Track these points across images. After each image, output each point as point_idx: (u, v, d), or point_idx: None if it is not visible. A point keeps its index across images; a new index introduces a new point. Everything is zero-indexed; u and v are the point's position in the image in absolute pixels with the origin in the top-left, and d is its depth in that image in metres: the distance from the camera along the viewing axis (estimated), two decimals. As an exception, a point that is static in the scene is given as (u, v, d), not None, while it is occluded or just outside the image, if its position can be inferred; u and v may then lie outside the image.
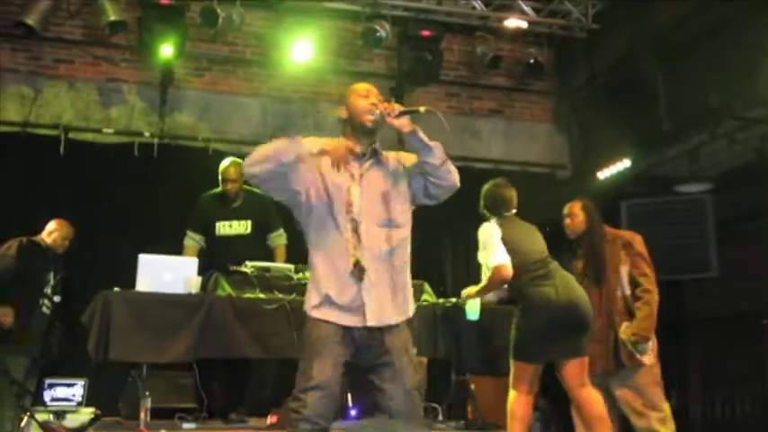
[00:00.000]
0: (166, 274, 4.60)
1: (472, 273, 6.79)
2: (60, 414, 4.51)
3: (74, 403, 4.65)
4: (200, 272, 4.72)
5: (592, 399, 4.16)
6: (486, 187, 4.56)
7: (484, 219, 4.45)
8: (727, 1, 5.84)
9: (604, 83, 7.47)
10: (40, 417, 4.17)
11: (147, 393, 4.41)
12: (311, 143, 3.09)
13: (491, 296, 4.56)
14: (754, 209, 6.49)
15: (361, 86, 3.26)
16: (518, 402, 4.17)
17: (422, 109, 3.08)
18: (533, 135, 8.02)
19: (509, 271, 4.16)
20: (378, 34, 6.87)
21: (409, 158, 3.18)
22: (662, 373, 7.04)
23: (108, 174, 6.55)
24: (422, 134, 3.05)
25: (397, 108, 3.05)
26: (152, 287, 4.53)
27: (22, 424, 4.09)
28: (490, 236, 4.25)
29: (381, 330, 2.96)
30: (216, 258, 5.08)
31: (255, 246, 5.30)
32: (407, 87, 7.58)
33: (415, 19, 7.15)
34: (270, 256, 5.33)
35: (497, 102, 7.98)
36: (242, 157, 7.10)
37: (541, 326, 4.11)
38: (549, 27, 7.35)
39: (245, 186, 5.26)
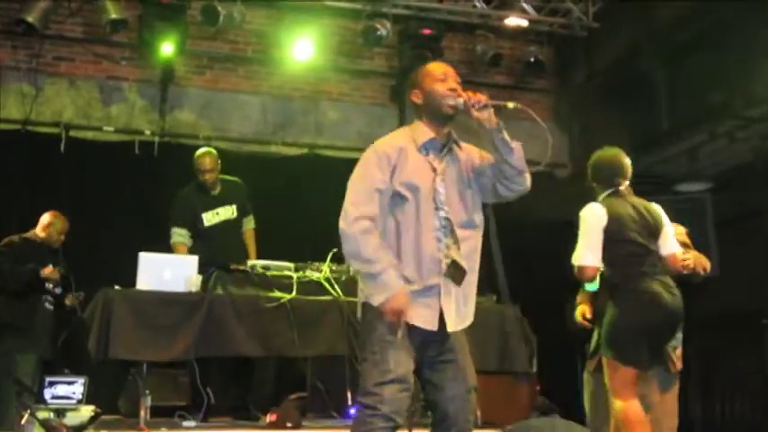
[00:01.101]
0: (167, 272, 4.61)
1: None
2: (61, 412, 4.49)
3: (74, 401, 4.64)
4: (200, 269, 4.73)
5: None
6: (595, 155, 4.10)
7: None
8: (728, 1, 5.84)
9: (604, 81, 7.47)
10: (41, 414, 4.17)
11: (148, 391, 4.42)
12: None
13: None
14: (755, 208, 6.49)
15: (438, 68, 3.02)
16: (631, 408, 3.63)
17: (510, 104, 2.88)
18: (533, 134, 7.96)
19: (590, 275, 3.73)
20: (378, 32, 6.87)
21: (483, 155, 2.97)
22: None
23: (108, 172, 6.55)
24: (505, 133, 2.87)
25: (484, 99, 2.85)
26: (152, 285, 4.54)
27: (23, 422, 4.09)
28: (587, 225, 3.76)
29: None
30: (207, 250, 5.11)
31: (241, 230, 5.55)
32: (408, 85, 7.57)
33: (415, 17, 7.15)
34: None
35: (498, 100, 7.96)
36: (243, 155, 7.18)
37: (646, 325, 3.68)
38: (549, 25, 7.34)
39: (220, 176, 5.41)
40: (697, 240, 6.46)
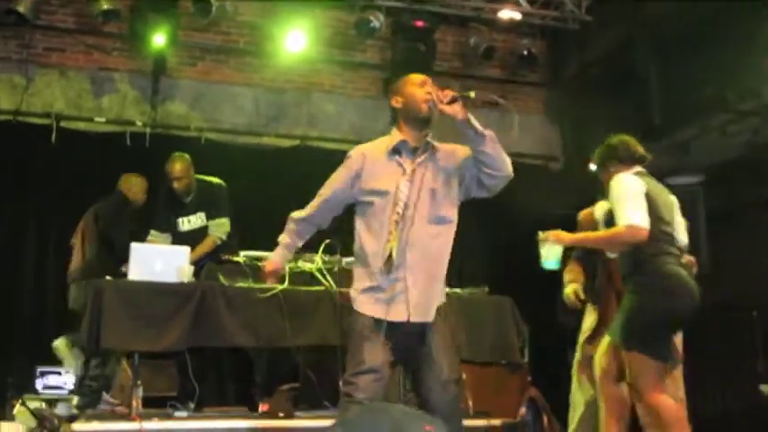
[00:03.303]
0: (158, 262, 4.59)
1: (466, 262, 6.83)
2: (52, 402, 4.50)
3: (65, 391, 4.65)
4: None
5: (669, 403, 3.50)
6: (612, 139, 4.06)
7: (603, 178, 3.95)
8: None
9: (597, 75, 7.47)
10: (32, 404, 4.17)
11: (139, 382, 4.42)
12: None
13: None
14: (746, 201, 6.51)
15: (417, 76, 3.22)
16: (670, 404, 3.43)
17: (472, 94, 3.03)
18: (526, 127, 8.02)
19: (644, 236, 3.45)
20: (371, 25, 6.86)
21: (464, 151, 3.14)
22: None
23: (100, 163, 6.52)
24: (475, 122, 2.99)
25: (449, 94, 2.98)
26: (144, 276, 4.53)
27: (14, 411, 4.09)
28: (631, 189, 3.58)
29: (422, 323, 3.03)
30: None
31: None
32: (401, 78, 7.57)
33: (408, 9, 7.14)
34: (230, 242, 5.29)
35: (491, 93, 7.96)
36: (235, 146, 7.17)
37: (675, 313, 3.50)
38: (542, 18, 7.35)
39: (197, 177, 5.27)
40: (688, 233, 6.52)
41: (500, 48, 7.64)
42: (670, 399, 3.43)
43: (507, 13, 7.13)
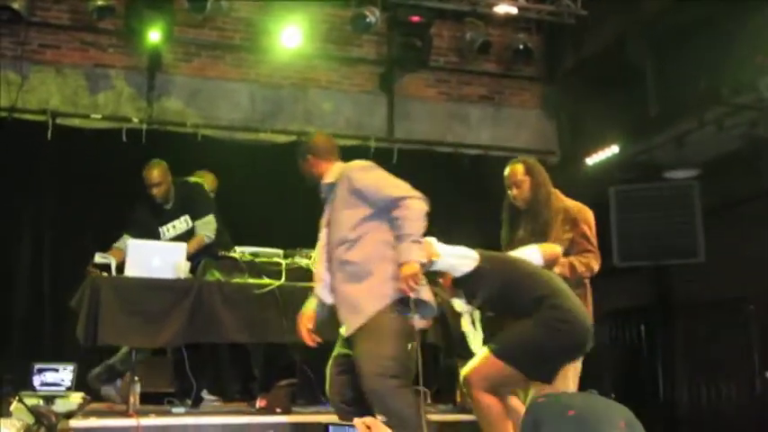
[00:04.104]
0: (155, 259, 4.60)
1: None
2: (49, 399, 4.50)
3: (63, 388, 4.65)
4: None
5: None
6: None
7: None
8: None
9: (593, 69, 7.47)
10: (30, 401, 4.17)
11: (137, 378, 4.42)
12: None
13: None
14: (742, 195, 6.53)
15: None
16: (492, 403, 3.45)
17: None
18: (522, 121, 8.04)
19: None
20: (367, 20, 6.84)
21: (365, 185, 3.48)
22: (649, 358, 7.09)
23: (96, 160, 6.51)
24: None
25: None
26: (141, 272, 4.53)
27: (11, 408, 4.08)
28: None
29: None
30: None
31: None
32: (397, 73, 7.58)
33: (404, 4, 7.11)
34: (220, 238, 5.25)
35: (487, 88, 7.99)
36: (232, 143, 7.16)
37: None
38: (538, 13, 7.33)
39: (175, 179, 5.23)
40: (684, 227, 6.55)
41: (496, 42, 7.63)
42: (494, 399, 3.40)
43: (503, 8, 7.12)
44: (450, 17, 7.64)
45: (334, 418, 3.59)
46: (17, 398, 4.13)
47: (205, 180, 5.64)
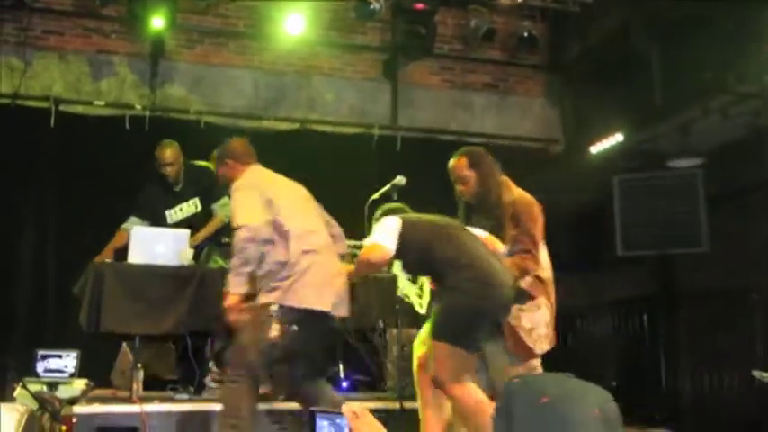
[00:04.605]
0: (159, 246, 4.61)
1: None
2: (53, 385, 4.52)
3: (66, 375, 4.66)
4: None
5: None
6: None
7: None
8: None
9: (598, 57, 7.44)
10: (33, 387, 4.18)
11: (140, 365, 4.43)
12: None
13: None
14: (746, 184, 6.51)
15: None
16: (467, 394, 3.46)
17: None
18: (527, 109, 8.01)
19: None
20: (371, 7, 6.81)
21: None
22: (651, 347, 7.05)
23: (99, 146, 6.50)
24: None
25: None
26: (144, 259, 4.54)
27: (15, 394, 4.10)
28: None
29: None
30: None
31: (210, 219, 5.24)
32: (401, 61, 7.55)
33: (408, -8, 7.09)
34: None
35: (491, 76, 7.96)
36: (235, 130, 7.14)
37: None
38: (543, 0, 7.30)
39: (187, 163, 5.23)
40: (688, 215, 6.53)
41: (500, 30, 7.59)
42: (469, 389, 3.42)
43: (508, -5, 7.09)
44: (455, 4, 7.61)
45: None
46: (21, 384, 4.14)
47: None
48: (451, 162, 3.99)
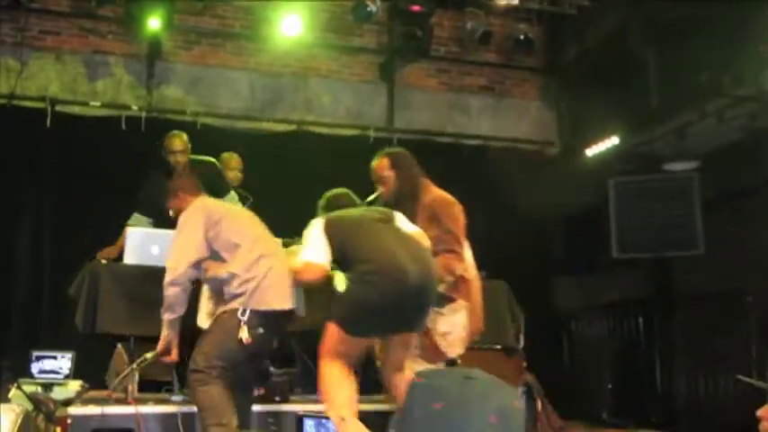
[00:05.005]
0: (154, 247, 4.59)
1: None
2: (48, 386, 4.50)
3: (61, 376, 4.64)
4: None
5: None
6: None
7: None
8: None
9: (594, 60, 7.46)
10: (28, 388, 4.17)
11: (135, 366, 4.42)
12: None
13: None
14: (742, 187, 6.52)
15: None
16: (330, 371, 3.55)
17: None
18: (523, 112, 8.02)
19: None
20: (368, 9, 6.81)
21: None
22: (647, 350, 7.06)
23: (95, 147, 6.49)
24: None
25: None
26: (139, 260, 4.53)
27: (10, 395, 4.09)
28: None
29: None
30: None
31: None
32: (397, 63, 7.56)
33: (405, -6, 7.10)
34: None
35: (487, 78, 7.97)
36: (232, 131, 7.14)
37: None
38: (539, 3, 7.31)
39: (190, 156, 5.24)
40: (684, 218, 6.54)
41: (497, 32, 7.60)
42: (334, 366, 3.48)
43: (504, -2, 7.10)
44: (451, 7, 7.62)
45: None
46: (16, 385, 4.13)
47: (231, 160, 5.67)
48: (373, 162, 4.00)
